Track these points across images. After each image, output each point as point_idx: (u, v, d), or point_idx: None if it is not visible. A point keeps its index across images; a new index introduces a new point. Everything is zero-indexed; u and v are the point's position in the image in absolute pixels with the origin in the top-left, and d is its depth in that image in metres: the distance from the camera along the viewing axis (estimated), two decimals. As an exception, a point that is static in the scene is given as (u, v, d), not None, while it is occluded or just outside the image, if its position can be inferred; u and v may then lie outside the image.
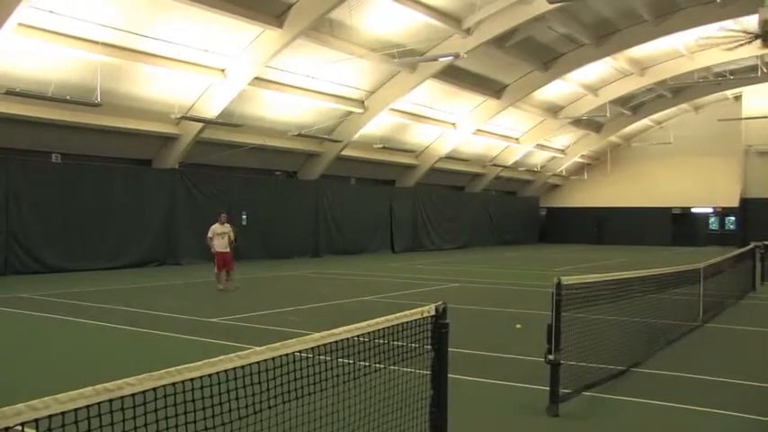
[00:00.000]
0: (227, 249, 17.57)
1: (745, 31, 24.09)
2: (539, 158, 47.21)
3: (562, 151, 47.94)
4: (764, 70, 35.12)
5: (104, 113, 22.35)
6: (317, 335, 3.57)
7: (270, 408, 3.37)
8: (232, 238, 17.73)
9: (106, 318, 12.63)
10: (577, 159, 50.00)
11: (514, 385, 7.91)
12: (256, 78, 23.98)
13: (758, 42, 22.91)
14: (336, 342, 3.74)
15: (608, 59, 33.07)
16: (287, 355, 3.34)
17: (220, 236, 17.55)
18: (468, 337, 10.15)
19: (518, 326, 11.91)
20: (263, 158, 29.56)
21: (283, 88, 26.07)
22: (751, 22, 26.35)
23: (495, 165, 43.58)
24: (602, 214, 50.34)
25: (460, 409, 5.57)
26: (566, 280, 6.90)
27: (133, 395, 2.54)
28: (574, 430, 6.50)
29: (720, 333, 11.90)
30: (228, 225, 17.97)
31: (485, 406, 7.13)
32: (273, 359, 3.28)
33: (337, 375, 3.87)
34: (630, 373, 8.32)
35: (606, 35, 30.83)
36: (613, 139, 48.68)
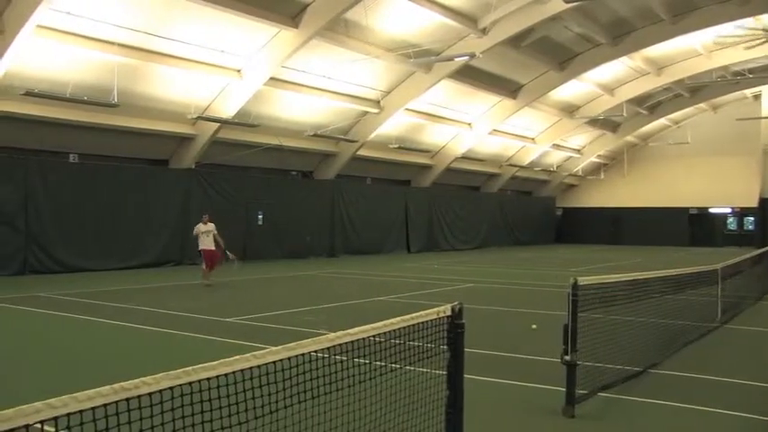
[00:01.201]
0: (214, 247, 18.57)
1: (765, 29, 23.92)
2: (555, 158, 47.03)
3: (578, 151, 47.72)
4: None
5: (121, 114, 22.51)
6: (332, 335, 3.57)
7: (286, 407, 3.38)
8: (218, 237, 18.70)
9: (123, 317, 12.71)
10: (594, 159, 49.76)
11: (530, 386, 7.88)
12: (272, 78, 24.06)
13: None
14: (352, 342, 3.74)
15: (624, 59, 32.89)
16: (303, 354, 3.34)
17: (205, 234, 18.62)
18: (484, 338, 10.14)
19: (534, 326, 11.88)
20: (279, 158, 29.64)
21: (299, 88, 26.14)
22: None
23: (510, 165, 43.48)
24: (618, 214, 50.06)
25: (476, 410, 5.56)
26: (582, 280, 6.86)
27: (150, 394, 2.56)
28: None
29: (739, 334, 11.79)
30: (212, 224, 18.81)
31: (501, 406, 7.11)
32: (289, 359, 3.29)
33: (353, 375, 3.87)
34: (647, 374, 8.26)
35: (622, 34, 30.65)
36: (630, 138, 48.41)
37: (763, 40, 28.24)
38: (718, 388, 8.02)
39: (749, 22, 28.54)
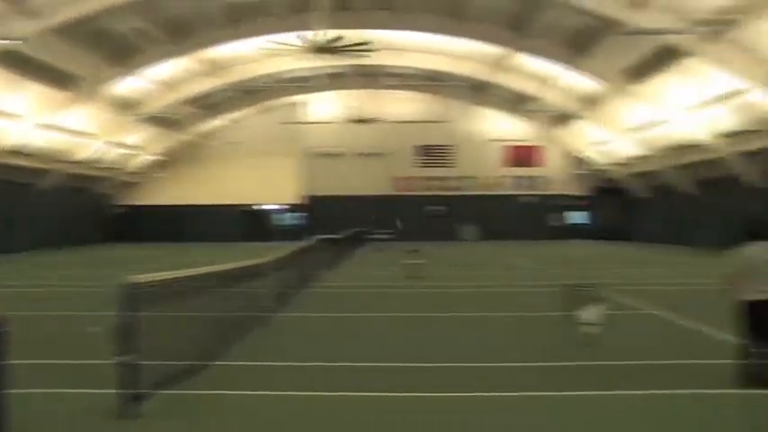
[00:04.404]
0: None
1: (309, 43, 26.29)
2: (113, 155, 45.37)
3: (138, 148, 46.78)
4: (327, 81, 38.84)
5: None
6: None
7: None
8: None
9: None
10: (154, 157, 49.37)
11: (90, 391, 7.53)
12: None
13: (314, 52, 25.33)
14: None
15: (184, 58, 33.30)
16: None
17: None
18: (39, 348, 9.43)
19: (93, 328, 11.33)
20: None
21: None
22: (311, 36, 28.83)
23: (65, 161, 40.73)
24: (179, 212, 50.42)
25: (26, 426, 5.12)
26: (136, 278, 6.78)
27: None
28: (154, 431, 6.44)
29: (291, 321, 12.78)
30: None
31: (59, 418, 6.67)
32: None
33: None
34: (210, 367, 8.52)
35: (183, 34, 31.00)
36: (189, 137, 49.17)
37: (307, 53, 30.94)
38: (277, 372, 8.62)
39: (301, 34, 31.14)
